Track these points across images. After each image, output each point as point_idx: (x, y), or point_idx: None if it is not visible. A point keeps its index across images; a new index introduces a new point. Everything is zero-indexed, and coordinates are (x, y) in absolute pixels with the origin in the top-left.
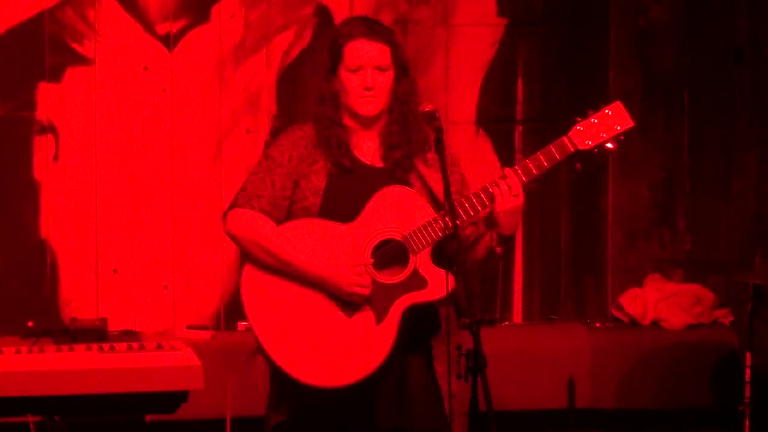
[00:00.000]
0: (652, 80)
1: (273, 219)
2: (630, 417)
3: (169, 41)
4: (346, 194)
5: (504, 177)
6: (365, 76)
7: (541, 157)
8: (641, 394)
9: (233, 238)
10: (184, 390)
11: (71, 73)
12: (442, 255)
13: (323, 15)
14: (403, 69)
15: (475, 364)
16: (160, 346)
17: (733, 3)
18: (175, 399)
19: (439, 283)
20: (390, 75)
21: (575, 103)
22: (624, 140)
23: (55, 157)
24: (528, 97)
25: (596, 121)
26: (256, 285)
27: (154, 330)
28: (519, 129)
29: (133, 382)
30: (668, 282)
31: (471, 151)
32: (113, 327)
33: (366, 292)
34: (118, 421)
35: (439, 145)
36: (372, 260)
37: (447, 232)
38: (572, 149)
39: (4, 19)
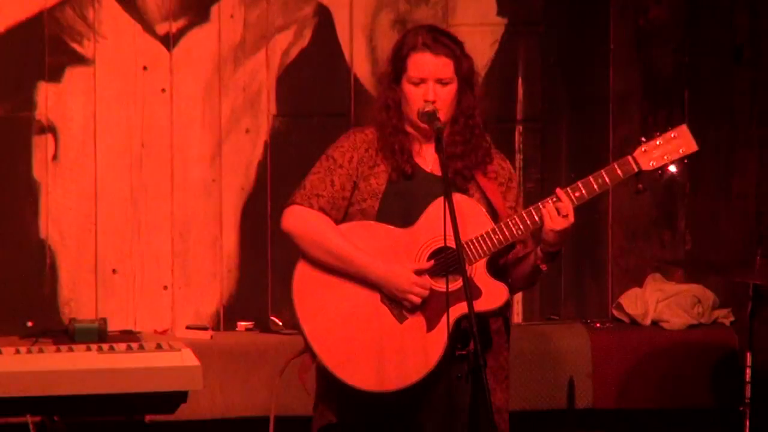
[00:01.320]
0: (652, 80)
1: (331, 219)
2: (630, 417)
3: (169, 41)
4: (404, 199)
5: (556, 198)
6: (427, 90)
7: (605, 176)
8: (641, 395)
9: (291, 235)
10: (184, 390)
11: (71, 73)
12: (498, 269)
13: (323, 15)
14: (466, 82)
15: (475, 364)
16: (159, 347)
17: (733, 3)
18: (174, 399)
19: (493, 294)
20: (452, 88)
21: (575, 103)
22: (687, 163)
23: (55, 157)
24: (528, 97)
25: (661, 143)
26: (308, 283)
27: (154, 330)
28: (519, 129)
29: (133, 383)
30: (668, 282)
31: None
32: (113, 327)
33: (424, 295)
34: (117, 422)
35: (440, 145)
36: (431, 265)
37: (504, 243)
38: (635, 169)
39: (3, 19)
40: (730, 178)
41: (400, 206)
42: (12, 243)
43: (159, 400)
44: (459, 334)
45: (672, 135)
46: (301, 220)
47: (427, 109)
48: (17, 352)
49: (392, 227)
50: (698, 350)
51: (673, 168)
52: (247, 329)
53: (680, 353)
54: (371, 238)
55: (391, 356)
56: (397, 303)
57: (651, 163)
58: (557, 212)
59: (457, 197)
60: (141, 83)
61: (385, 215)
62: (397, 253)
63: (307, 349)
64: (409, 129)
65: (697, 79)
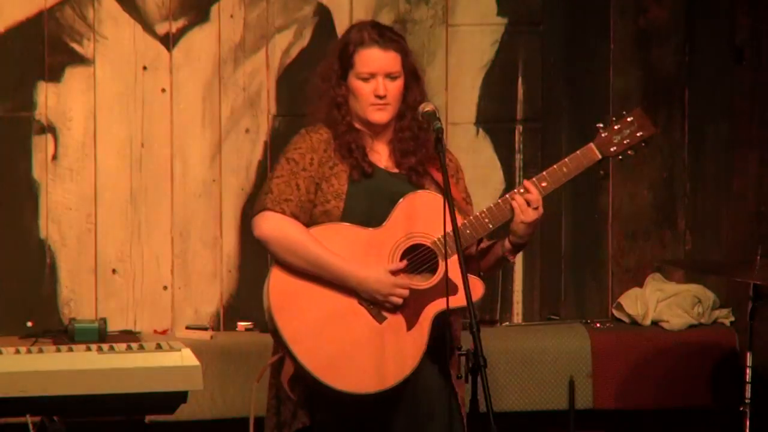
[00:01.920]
0: (652, 80)
1: (301, 222)
2: (630, 417)
3: (169, 41)
4: (367, 198)
5: (525, 191)
6: (377, 85)
7: (569, 164)
8: (642, 395)
9: (265, 242)
10: (184, 390)
11: (70, 73)
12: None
13: (323, 15)
14: (413, 75)
15: (475, 364)
16: (159, 347)
17: (734, 3)
18: (174, 399)
19: (470, 289)
20: (400, 82)
21: (575, 103)
22: (645, 146)
23: (55, 157)
24: (528, 97)
25: (619, 127)
26: (284, 289)
27: (154, 330)
28: (519, 129)
29: (133, 383)
30: (668, 282)
31: (471, 151)
32: (113, 327)
33: (404, 295)
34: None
35: (439, 145)
36: (406, 264)
37: (476, 237)
38: (599, 156)
39: (3, 19)
40: (730, 178)
41: (364, 206)
42: (12, 243)
43: (159, 400)
44: (438, 330)
45: (629, 119)
46: (276, 227)
47: (426, 109)
48: (17, 352)
49: (362, 228)
50: (698, 350)
51: (631, 152)
52: (247, 329)
53: (680, 353)
54: (343, 240)
55: (373, 357)
56: (375, 304)
57: (612, 149)
58: (527, 204)
59: (422, 194)
60: (141, 83)
61: (350, 215)
62: (370, 254)
63: (288, 354)
64: (358, 126)
65: (697, 79)
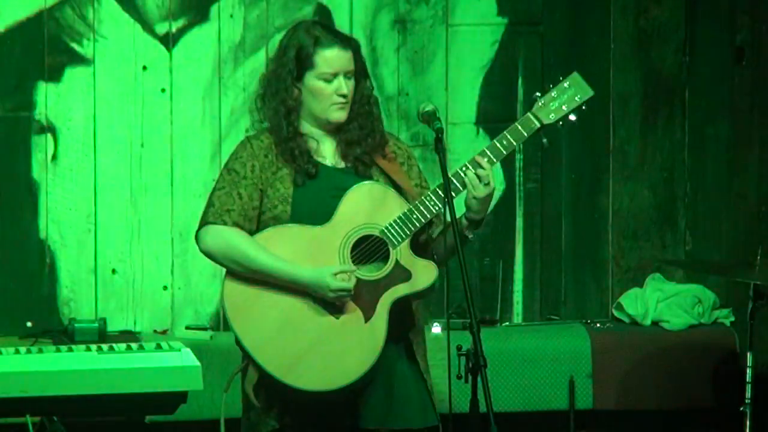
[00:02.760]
0: (652, 80)
1: (246, 231)
2: (630, 417)
3: (169, 41)
4: (314, 198)
5: (477, 165)
6: (340, 84)
7: (509, 136)
8: (642, 395)
9: (210, 256)
10: (183, 391)
11: (70, 73)
12: (419, 246)
13: (323, 15)
14: (362, 72)
15: (475, 364)
16: (159, 347)
17: (734, 3)
18: (174, 400)
19: (422, 274)
20: (354, 80)
21: None
22: (585, 109)
23: (54, 157)
24: (528, 97)
25: (556, 94)
26: (239, 298)
27: (154, 330)
28: None
29: (132, 383)
30: (668, 282)
31: (471, 151)
32: (113, 327)
33: (346, 297)
34: (117, 422)
35: (439, 145)
36: (349, 264)
37: (423, 221)
38: (537, 125)
39: (3, 19)
40: (730, 178)
41: (312, 206)
42: (12, 243)
43: (159, 400)
44: (395, 318)
45: (566, 84)
46: (218, 239)
47: (427, 109)
48: (17, 352)
49: (308, 227)
50: (698, 350)
51: (573, 117)
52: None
53: (680, 353)
54: (289, 241)
55: (334, 353)
56: (329, 301)
57: (551, 116)
58: (478, 180)
59: (365, 186)
60: (141, 83)
61: (298, 217)
62: (319, 250)
63: (250, 361)
64: (306, 128)
65: (697, 79)
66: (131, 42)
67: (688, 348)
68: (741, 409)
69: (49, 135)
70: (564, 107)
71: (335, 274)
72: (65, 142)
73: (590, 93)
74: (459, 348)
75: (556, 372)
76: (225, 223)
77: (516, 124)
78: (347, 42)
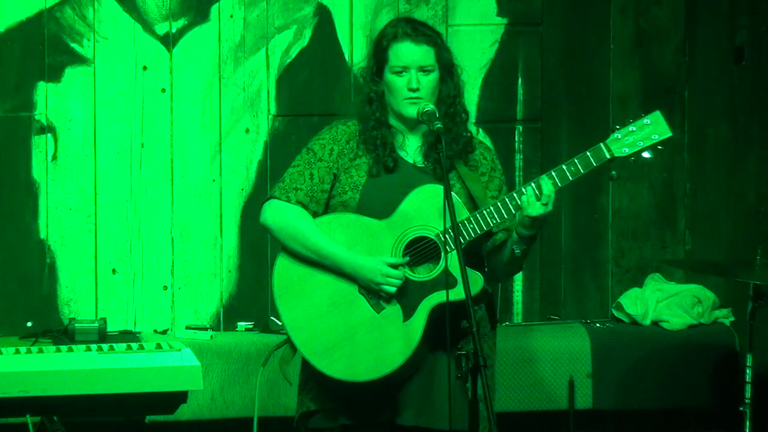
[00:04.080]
0: (652, 80)
1: (309, 212)
2: (630, 417)
3: (169, 41)
4: (385, 191)
5: (537, 186)
6: (410, 78)
7: (577, 163)
8: (642, 395)
9: (268, 229)
10: (184, 390)
11: (70, 73)
12: (476, 257)
13: (323, 15)
14: (447, 70)
15: (475, 364)
16: (159, 347)
17: (734, 3)
18: (174, 399)
19: (466, 284)
20: (434, 76)
21: (575, 103)
22: (662, 150)
23: (54, 157)
24: (528, 97)
25: (634, 129)
26: (288, 276)
27: (154, 330)
28: (519, 129)
29: (132, 383)
30: (668, 282)
31: None
32: (113, 327)
33: (397, 285)
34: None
35: (439, 146)
36: (406, 257)
37: (479, 233)
38: (609, 156)
39: (3, 19)
40: (730, 178)
41: (382, 198)
42: (12, 243)
43: (159, 400)
44: (439, 324)
45: (646, 121)
46: (278, 214)
47: (426, 109)
48: (17, 352)
49: (369, 218)
50: (698, 350)
51: (647, 154)
52: (247, 329)
53: (680, 353)
54: (348, 229)
55: (368, 346)
56: (374, 293)
57: (624, 150)
58: (537, 198)
59: (431, 188)
60: (141, 83)
61: (365, 207)
62: (375, 243)
63: (288, 339)
64: (392, 121)
65: (697, 79)
66: (131, 42)
67: (688, 348)
68: (741, 409)
69: (49, 135)
70: (639, 143)
71: (389, 264)
72: (65, 142)
73: (669, 134)
74: (459, 348)
75: (556, 372)
76: (289, 200)
77: (587, 152)
78: (425, 37)
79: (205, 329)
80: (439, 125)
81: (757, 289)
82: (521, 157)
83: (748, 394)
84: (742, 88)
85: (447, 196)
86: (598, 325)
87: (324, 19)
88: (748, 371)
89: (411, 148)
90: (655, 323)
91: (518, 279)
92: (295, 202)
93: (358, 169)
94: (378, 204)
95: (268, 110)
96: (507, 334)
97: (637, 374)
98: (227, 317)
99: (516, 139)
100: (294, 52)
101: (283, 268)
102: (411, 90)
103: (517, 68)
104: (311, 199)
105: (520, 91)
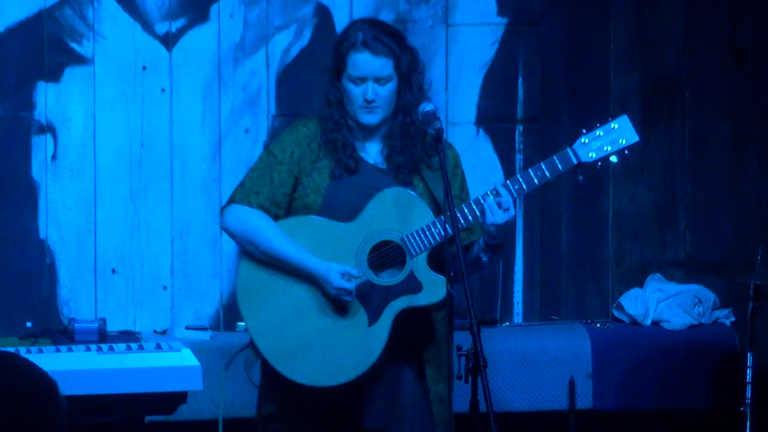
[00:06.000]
0: (652, 80)
1: (271, 215)
2: (631, 418)
3: (168, 41)
4: (347, 193)
5: (496, 193)
6: (366, 89)
7: (544, 168)
8: (642, 395)
9: (229, 234)
10: (183, 391)
11: (70, 73)
12: (440, 260)
13: (323, 14)
14: (405, 79)
15: (475, 364)
16: (159, 347)
17: (734, 3)
18: (173, 400)
19: (433, 288)
20: (392, 86)
21: (575, 103)
22: (628, 154)
23: (54, 157)
24: (528, 97)
25: (602, 134)
26: (251, 280)
27: (154, 330)
28: (519, 129)
29: (132, 383)
30: (669, 282)
31: (471, 151)
32: (113, 327)
33: (349, 292)
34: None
35: (440, 145)
36: (370, 265)
37: (444, 237)
38: (575, 161)
39: (3, 19)
40: (730, 178)
41: (344, 200)
42: (11, 243)
43: (159, 400)
44: (402, 329)
45: (613, 126)
46: (239, 219)
47: (426, 109)
48: (17, 352)
49: (333, 222)
50: (698, 350)
51: (614, 159)
52: (247, 329)
53: (680, 353)
54: (311, 233)
55: (332, 351)
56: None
57: (590, 155)
58: (498, 206)
59: (396, 191)
60: (141, 83)
61: (328, 210)
62: (337, 247)
63: (251, 342)
64: (352, 123)
65: (697, 79)
66: (131, 42)
67: (688, 348)
68: (741, 409)
69: (49, 135)
70: (606, 148)
71: (341, 273)
72: (65, 142)
73: (636, 138)
74: (459, 348)
75: (556, 372)
76: (250, 204)
77: (554, 156)
78: (384, 48)
79: (205, 329)
80: (439, 125)
81: (757, 289)
82: (521, 157)
83: (748, 394)
84: (743, 88)
85: (447, 196)
86: (598, 325)
87: (324, 19)
88: (748, 371)
89: (372, 150)
90: (655, 323)
91: (518, 279)
92: (257, 206)
93: (320, 172)
94: (341, 207)
95: (268, 110)
96: (507, 334)
97: (638, 374)
98: (227, 317)
99: (516, 139)
100: (294, 52)
101: (246, 273)
102: (367, 101)
103: (517, 68)
104: (272, 202)
105: (521, 91)
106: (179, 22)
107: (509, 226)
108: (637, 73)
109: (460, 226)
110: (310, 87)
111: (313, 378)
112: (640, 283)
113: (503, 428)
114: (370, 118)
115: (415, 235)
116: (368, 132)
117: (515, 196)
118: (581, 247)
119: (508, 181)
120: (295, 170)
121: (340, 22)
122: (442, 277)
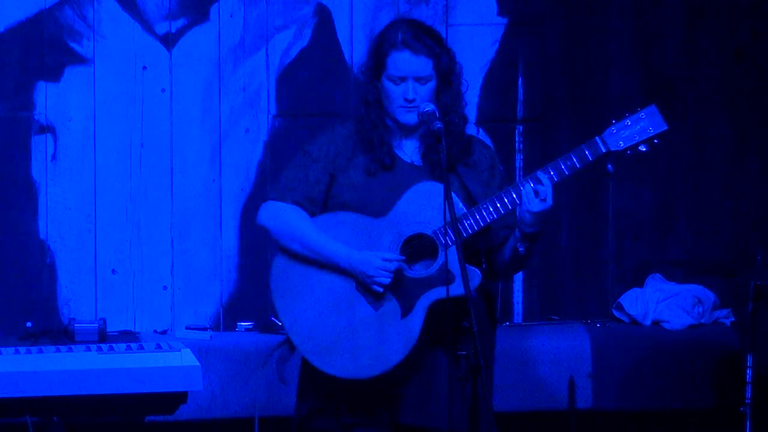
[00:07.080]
0: (652, 80)
1: (306, 212)
2: (630, 418)
3: (168, 41)
4: (382, 189)
5: (536, 180)
6: (406, 88)
7: (573, 157)
8: (642, 395)
9: (265, 229)
10: (184, 390)
11: (70, 73)
12: (475, 253)
13: (323, 14)
14: (445, 79)
15: (475, 365)
16: (159, 347)
17: (734, 3)
18: (173, 400)
19: (467, 280)
20: (431, 85)
21: (575, 103)
22: (657, 143)
23: (54, 157)
24: (528, 97)
25: (630, 123)
26: (285, 275)
27: (154, 330)
28: (519, 129)
29: (132, 383)
30: (668, 282)
31: None
32: (112, 327)
33: (388, 277)
34: (117, 422)
35: (440, 145)
36: (403, 254)
37: (477, 229)
38: (604, 150)
39: (2, 19)
40: (730, 178)
41: (379, 197)
42: (11, 243)
43: (158, 400)
44: (438, 321)
45: (642, 115)
46: (274, 214)
47: (426, 109)
48: (17, 352)
49: (366, 216)
50: (698, 350)
51: (643, 148)
52: (247, 329)
53: (680, 353)
54: (345, 228)
55: (367, 343)
56: (372, 290)
57: (620, 143)
58: (535, 194)
59: (428, 185)
60: (141, 83)
61: (364, 206)
62: (370, 241)
63: (286, 339)
64: (390, 122)
65: (697, 79)
66: (131, 42)
67: (688, 348)
68: (741, 409)
69: (49, 135)
70: (636, 137)
71: (384, 258)
72: (65, 142)
73: (665, 127)
74: (459, 349)
75: (556, 372)
76: (284, 200)
77: (582, 146)
78: (424, 48)
79: (205, 329)
80: (439, 125)
81: (757, 289)
82: (521, 157)
83: (748, 394)
84: (743, 88)
85: (447, 195)
86: (598, 325)
87: (324, 19)
88: (748, 371)
89: (409, 149)
90: (655, 323)
91: (518, 279)
92: (292, 202)
93: (355, 169)
94: (376, 203)
95: (268, 110)
96: (507, 334)
97: (637, 374)
98: (227, 317)
99: (516, 139)
100: (294, 52)
101: (281, 268)
102: (407, 100)
103: (517, 68)
104: (307, 199)
105: (520, 91)
106: (179, 22)
107: (546, 217)
108: (638, 72)
109: (488, 217)
110: (310, 87)
111: (349, 370)
112: (640, 283)
113: (503, 428)
114: (410, 118)
115: (447, 227)
116: (406, 131)
117: (552, 183)
118: (581, 246)
119: (541, 170)
120: (331, 168)
121: (340, 22)
122: (474, 268)
